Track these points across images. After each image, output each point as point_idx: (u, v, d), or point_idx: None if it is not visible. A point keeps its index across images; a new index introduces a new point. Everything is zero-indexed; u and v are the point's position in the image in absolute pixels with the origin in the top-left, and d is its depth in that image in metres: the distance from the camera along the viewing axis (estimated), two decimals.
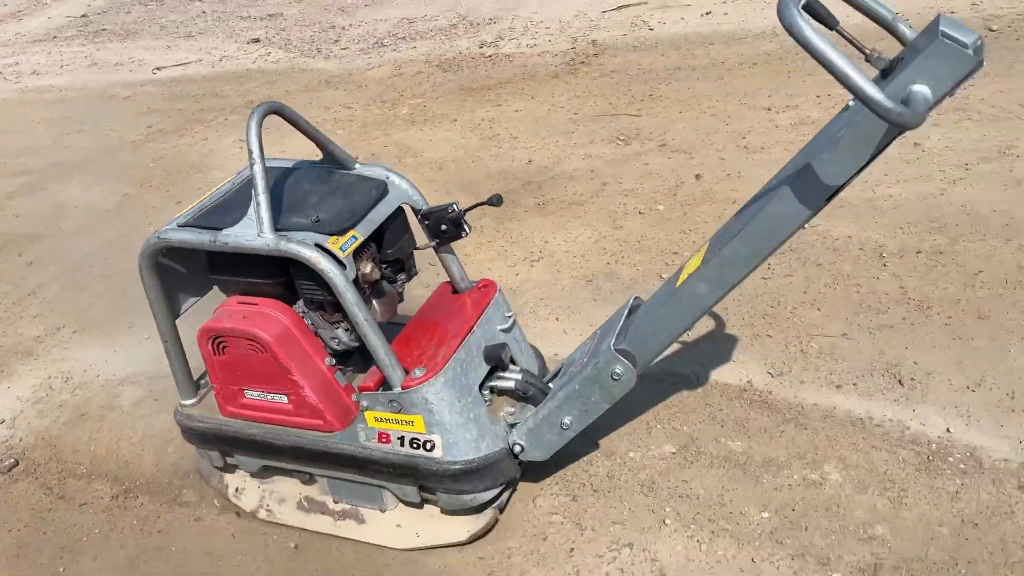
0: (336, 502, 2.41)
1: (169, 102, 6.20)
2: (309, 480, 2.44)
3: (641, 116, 4.79)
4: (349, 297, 2.01)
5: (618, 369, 2.06)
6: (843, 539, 2.16)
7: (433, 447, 2.14)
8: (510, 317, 2.44)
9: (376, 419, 2.15)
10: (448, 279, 2.49)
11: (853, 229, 3.42)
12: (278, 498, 2.48)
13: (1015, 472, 2.27)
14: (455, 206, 2.26)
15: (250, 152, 2.01)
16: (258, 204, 2.01)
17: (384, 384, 2.13)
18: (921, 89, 1.57)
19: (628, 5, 6.82)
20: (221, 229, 2.08)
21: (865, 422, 2.50)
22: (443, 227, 2.29)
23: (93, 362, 3.30)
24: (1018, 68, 4.62)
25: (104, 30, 8.58)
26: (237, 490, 2.52)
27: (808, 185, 1.76)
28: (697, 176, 4.04)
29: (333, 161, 2.35)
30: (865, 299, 3.02)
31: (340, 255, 2.03)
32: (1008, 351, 2.68)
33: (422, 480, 2.20)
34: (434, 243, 2.35)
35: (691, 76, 5.24)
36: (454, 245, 2.39)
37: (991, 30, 5.18)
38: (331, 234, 2.06)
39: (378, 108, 5.50)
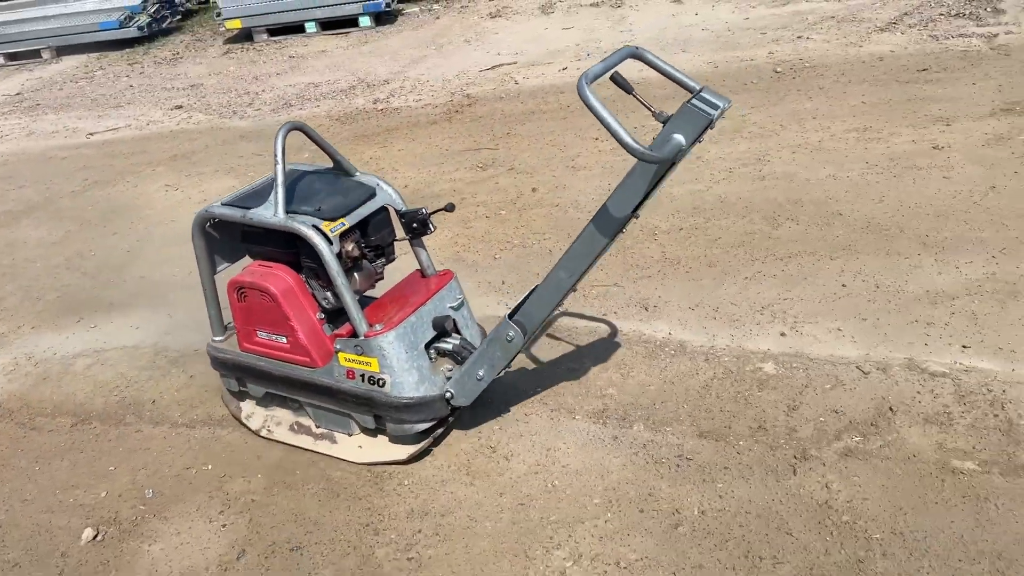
0: (318, 427, 3.12)
1: (103, 159, 7.11)
2: (299, 409, 3.14)
3: (498, 149, 5.92)
4: (332, 265, 2.72)
5: (511, 333, 2.74)
6: (586, 398, 3.19)
7: (384, 384, 2.82)
8: (460, 298, 3.13)
9: (346, 359, 2.86)
10: (417, 268, 3.20)
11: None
12: (276, 422, 3.20)
13: (704, 352, 3.35)
14: (424, 210, 2.99)
15: (275, 156, 2.76)
16: (276, 192, 2.75)
17: (353, 333, 2.85)
18: (678, 137, 2.31)
19: (501, 65, 8.05)
20: (250, 208, 2.84)
21: (616, 333, 3.56)
22: (414, 225, 3.00)
23: (50, 346, 4.18)
24: (787, 99, 5.92)
25: (39, 105, 9.45)
26: (247, 415, 3.26)
27: (614, 209, 2.49)
28: (533, 189, 5.14)
29: (340, 169, 3.07)
30: (636, 261, 4.12)
31: (330, 235, 2.73)
32: (722, 285, 3.79)
33: (376, 410, 2.88)
34: (408, 236, 3.08)
35: (542, 118, 6.43)
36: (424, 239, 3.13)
37: (776, 71, 6.52)
38: (326, 219, 2.76)
39: None
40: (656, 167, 2.37)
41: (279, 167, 2.76)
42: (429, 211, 3.00)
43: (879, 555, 2.34)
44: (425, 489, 2.86)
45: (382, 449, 3.00)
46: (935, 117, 5.19)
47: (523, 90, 7.17)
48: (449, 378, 2.93)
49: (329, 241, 2.72)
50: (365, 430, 3.03)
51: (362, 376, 2.85)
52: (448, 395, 2.88)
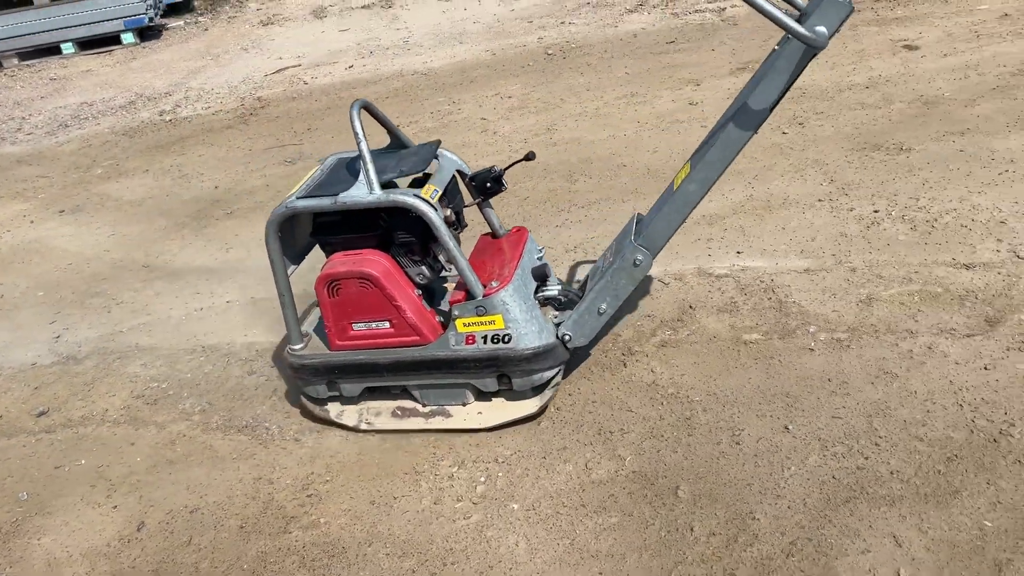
0: (425, 406, 3.00)
1: None
2: (399, 394, 3.03)
3: (303, 144, 6.11)
4: (443, 230, 2.63)
5: (639, 256, 2.74)
6: None
7: (510, 339, 2.77)
8: (542, 250, 3.19)
9: (464, 324, 2.77)
10: (485, 232, 3.24)
11: None
12: (374, 412, 3.05)
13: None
14: (496, 168, 2.97)
15: (356, 134, 2.62)
16: (367, 171, 2.62)
17: (468, 296, 2.77)
18: (822, 28, 2.32)
19: (285, 68, 8.16)
20: (337, 195, 2.68)
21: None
22: (488, 185, 2.94)
23: None
24: (562, 77, 6.57)
25: None
26: (338, 414, 3.07)
27: (755, 103, 2.48)
28: None
29: (400, 145, 3.03)
30: None
31: (432, 202, 2.66)
32: (536, 234, 4.28)
33: (502, 368, 2.81)
34: (479, 199, 3.03)
35: (340, 111, 6.67)
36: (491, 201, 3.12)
37: (548, 53, 7.18)
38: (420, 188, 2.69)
39: (74, 172, 6.31)
40: (802, 57, 2.42)
41: (363, 144, 2.64)
42: (502, 167, 2.99)
43: (701, 411, 2.89)
44: (309, 438, 3.09)
45: (505, 410, 2.95)
46: (687, 80, 6.03)
47: (314, 89, 7.37)
48: (559, 324, 2.92)
49: (435, 208, 2.65)
50: (481, 395, 2.98)
51: (484, 337, 2.80)
52: (566, 338, 2.88)
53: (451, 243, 2.67)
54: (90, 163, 6.49)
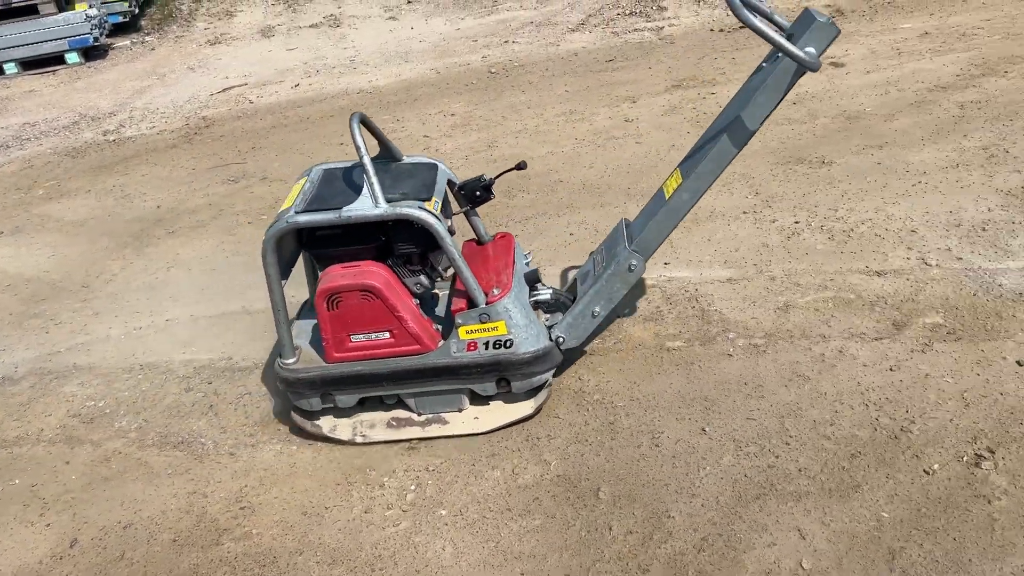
0: (420, 414, 3.04)
1: None
2: (395, 404, 3.06)
3: (247, 163, 6.14)
4: (448, 241, 2.70)
5: (633, 261, 2.91)
6: None
7: (511, 344, 2.85)
8: (528, 255, 3.33)
9: (467, 332, 2.83)
10: (468, 239, 3.29)
11: None
12: (368, 425, 3.06)
13: None
14: (485, 176, 3.07)
15: (358, 148, 2.66)
16: (371, 184, 2.65)
17: (470, 304, 2.84)
18: (811, 49, 2.49)
19: (232, 87, 8.19)
20: (340, 208, 2.70)
21: None
22: (478, 193, 3.04)
23: None
24: (504, 95, 6.70)
25: None
26: (331, 429, 3.07)
27: (747, 118, 2.64)
28: None
29: (389, 155, 3.06)
30: None
31: (437, 213, 2.73)
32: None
33: (503, 372, 2.89)
34: (467, 207, 3.12)
35: (285, 130, 6.72)
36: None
37: (491, 72, 7.31)
38: (423, 200, 2.76)
39: (14, 193, 6.26)
40: (793, 75, 2.59)
41: (365, 158, 2.69)
42: (492, 176, 3.09)
43: (624, 416, 3.01)
44: (244, 452, 3.14)
45: (502, 413, 3.03)
46: (624, 97, 6.20)
47: (260, 108, 7.40)
48: (551, 327, 3.04)
49: (440, 219, 2.72)
50: (476, 399, 3.05)
51: (486, 343, 2.87)
52: (560, 340, 2.99)
53: (456, 253, 2.76)
54: (31, 184, 6.45)
